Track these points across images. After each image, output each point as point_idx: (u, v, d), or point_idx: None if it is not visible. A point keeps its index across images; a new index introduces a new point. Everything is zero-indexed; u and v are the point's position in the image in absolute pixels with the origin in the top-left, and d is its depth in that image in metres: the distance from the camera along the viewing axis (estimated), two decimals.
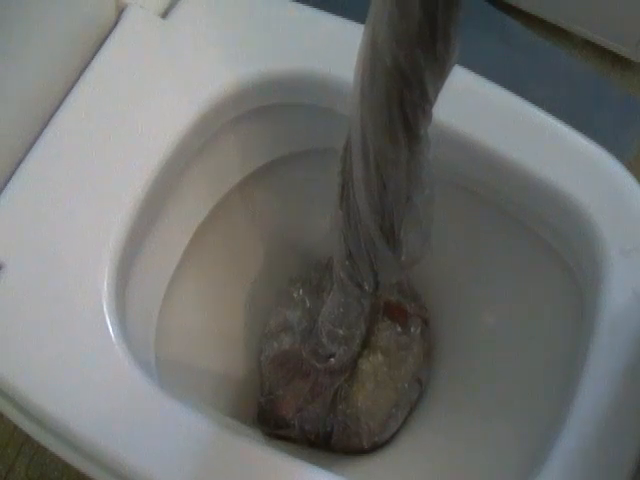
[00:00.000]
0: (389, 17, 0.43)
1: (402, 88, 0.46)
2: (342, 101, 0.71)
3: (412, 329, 0.83)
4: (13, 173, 0.64)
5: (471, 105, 0.69)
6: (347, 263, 0.62)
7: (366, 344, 0.81)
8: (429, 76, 0.45)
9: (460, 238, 0.79)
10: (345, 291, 0.67)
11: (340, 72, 0.69)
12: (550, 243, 0.72)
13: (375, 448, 0.80)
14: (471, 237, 0.80)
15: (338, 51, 0.71)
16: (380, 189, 0.53)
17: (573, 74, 1.25)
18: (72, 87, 0.67)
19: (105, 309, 0.60)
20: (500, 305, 0.81)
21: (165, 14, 0.71)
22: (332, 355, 0.78)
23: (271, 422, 0.80)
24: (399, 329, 0.83)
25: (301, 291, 0.85)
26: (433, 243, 0.59)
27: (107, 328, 0.60)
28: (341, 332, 0.75)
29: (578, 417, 0.58)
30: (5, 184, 0.64)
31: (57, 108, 0.66)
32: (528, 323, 0.77)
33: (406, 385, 0.81)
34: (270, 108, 0.74)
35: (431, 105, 0.48)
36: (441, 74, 0.46)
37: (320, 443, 0.80)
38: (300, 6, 0.73)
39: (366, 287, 0.64)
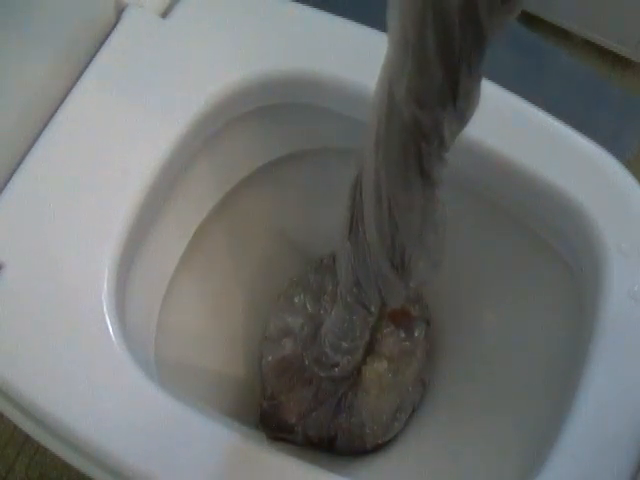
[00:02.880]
0: (408, 78, 0.42)
1: (420, 141, 0.45)
2: (342, 101, 0.71)
3: (416, 333, 0.83)
4: (13, 173, 0.64)
5: None
6: (354, 290, 0.62)
7: (370, 351, 0.81)
8: (448, 128, 0.45)
9: (460, 238, 0.78)
10: (350, 311, 0.67)
11: (340, 72, 0.69)
12: (550, 243, 0.72)
13: (377, 447, 0.80)
14: (471, 237, 0.80)
15: (338, 51, 0.71)
16: (392, 231, 0.53)
17: (573, 74, 1.25)
18: (72, 87, 0.67)
19: (105, 309, 0.60)
20: (500, 304, 0.81)
21: (165, 14, 0.71)
22: (336, 365, 0.77)
23: (273, 426, 0.80)
24: (403, 335, 0.82)
25: (302, 295, 0.85)
26: (442, 266, 0.59)
27: (107, 328, 0.60)
28: (345, 344, 0.75)
29: (578, 416, 0.58)
30: (5, 184, 0.64)
31: (57, 108, 0.66)
32: (528, 322, 0.77)
33: (410, 388, 0.81)
34: (270, 108, 0.74)
35: (447, 151, 0.47)
36: (461, 123, 0.45)
37: (323, 445, 0.80)
38: (300, 6, 0.73)
39: (372, 309, 0.64)
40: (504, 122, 0.69)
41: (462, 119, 0.45)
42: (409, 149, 0.46)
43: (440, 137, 0.45)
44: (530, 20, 1.28)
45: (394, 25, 0.42)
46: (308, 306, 0.84)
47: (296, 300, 0.85)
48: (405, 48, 0.41)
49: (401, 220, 0.52)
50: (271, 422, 0.80)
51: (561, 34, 1.28)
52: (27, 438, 1.00)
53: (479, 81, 0.43)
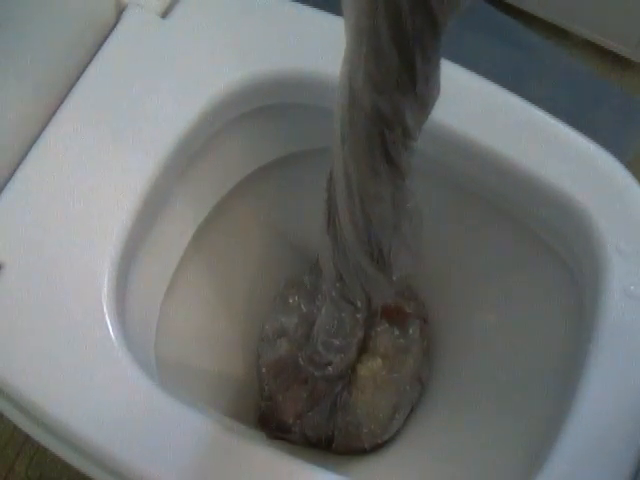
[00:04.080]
0: (365, 65, 0.42)
1: (383, 129, 0.45)
2: None
3: (411, 331, 0.83)
4: (13, 173, 0.64)
5: (471, 105, 0.69)
6: (338, 285, 0.62)
7: (364, 349, 0.81)
8: (410, 115, 0.45)
9: (459, 237, 0.79)
10: (338, 307, 0.67)
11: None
12: (550, 243, 0.72)
13: (376, 447, 0.80)
14: (470, 236, 0.80)
15: (338, 51, 0.70)
16: (366, 222, 0.53)
17: (573, 74, 1.25)
18: (72, 87, 0.67)
19: (105, 309, 0.60)
20: (499, 304, 0.81)
21: (165, 14, 0.71)
22: (329, 363, 0.77)
23: (272, 426, 0.80)
24: (397, 332, 0.82)
25: (296, 297, 0.85)
26: (423, 257, 0.59)
27: (107, 328, 0.60)
28: (337, 342, 0.75)
29: (578, 416, 0.58)
30: (5, 184, 0.64)
31: (57, 108, 0.66)
32: (528, 322, 0.77)
33: (407, 387, 0.81)
34: (270, 108, 0.74)
35: (414, 140, 0.47)
36: (423, 111, 0.45)
37: (322, 445, 0.80)
38: (300, 6, 0.73)
39: (359, 305, 0.64)
40: (504, 122, 0.69)
41: (424, 106, 0.45)
42: (373, 138, 0.46)
43: (403, 124, 0.45)
44: (530, 20, 1.28)
45: (348, 13, 0.42)
46: (302, 306, 0.84)
47: (291, 301, 0.85)
48: (360, 35, 0.41)
49: (373, 211, 0.52)
50: (270, 423, 0.80)
51: (561, 34, 1.28)
52: (27, 438, 1.00)
53: (437, 66, 0.43)
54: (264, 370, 0.82)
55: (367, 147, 0.47)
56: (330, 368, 0.78)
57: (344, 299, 0.64)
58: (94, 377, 0.59)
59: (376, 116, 0.45)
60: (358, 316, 0.71)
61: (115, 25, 0.70)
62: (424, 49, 0.41)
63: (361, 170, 0.49)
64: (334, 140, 0.50)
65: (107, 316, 0.60)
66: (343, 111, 0.47)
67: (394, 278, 0.58)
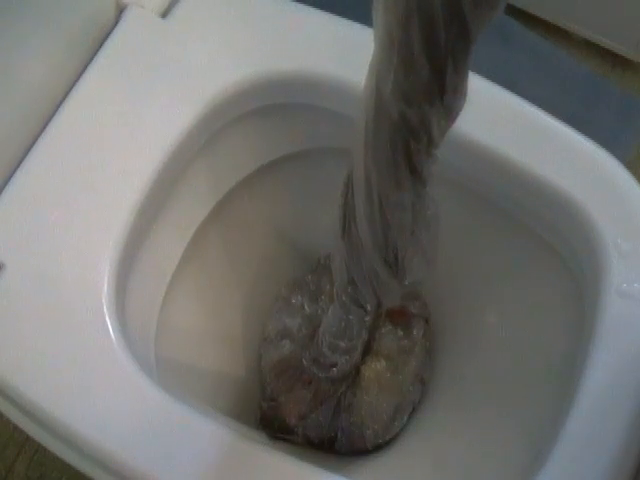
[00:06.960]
0: (395, 76, 0.42)
1: (408, 138, 0.45)
2: (342, 101, 0.71)
3: (414, 332, 0.83)
4: (13, 173, 0.64)
5: (470, 105, 0.69)
6: (349, 289, 0.62)
7: (368, 350, 0.81)
8: (436, 124, 0.45)
9: (460, 237, 0.79)
10: (347, 310, 0.67)
11: (340, 72, 0.69)
12: (550, 243, 0.72)
13: (378, 448, 0.80)
14: (471, 236, 0.80)
15: (338, 51, 0.71)
16: (384, 229, 0.53)
17: (573, 74, 1.25)
18: (72, 87, 0.67)
19: (105, 309, 0.60)
20: (500, 304, 0.81)
21: (165, 14, 0.71)
22: (334, 365, 0.77)
23: (274, 426, 0.80)
24: (401, 333, 0.82)
25: (299, 297, 0.85)
26: (437, 265, 0.59)
27: (107, 328, 0.60)
28: (342, 344, 0.75)
29: (578, 416, 0.58)
30: (5, 184, 0.64)
31: (57, 108, 0.66)
32: (528, 322, 0.77)
33: (410, 388, 0.81)
34: (270, 108, 0.74)
35: (437, 148, 0.47)
36: (449, 120, 0.45)
37: (324, 446, 0.80)
38: (300, 6, 0.73)
39: (368, 308, 0.64)
40: (504, 122, 0.69)
41: (450, 115, 0.45)
42: (398, 147, 0.46)
43: (428, 134, 0.45)
44: (530, 20, 1.28)
45: (379, 23, 0.42)
46: (306, 307, 0.84)
47: (294, 301, 0.85)
48: (391, 46, 0.41)
49: (392, 218, 0.52)
50: (271, 423, 0.80)
51: (561, 34, 1.28)
52: (27, 438, 1.00)
53: (466, 77, 0.43)
54: (267, 370, 0.82)
55: (391, 156, 0.47)
56: (335, 369, 0.78)
57: (354, 303, 0.64)
58: (94, 377, 0.59)
59: (403, 126, 0.45)
60: (366, 319, 0.71)
61: (115, 25, 0.70)
62: (455, 61, 0.41)
63: (383, 178, 0.49)
64: (355, 148, 0.50)
65: (107, 316, 0.60)
66: (368, 119, 0.47)
67: (406, 283, 0.58)
